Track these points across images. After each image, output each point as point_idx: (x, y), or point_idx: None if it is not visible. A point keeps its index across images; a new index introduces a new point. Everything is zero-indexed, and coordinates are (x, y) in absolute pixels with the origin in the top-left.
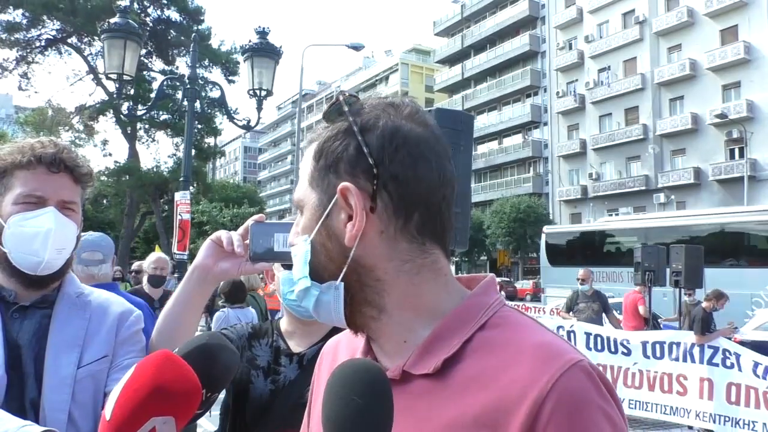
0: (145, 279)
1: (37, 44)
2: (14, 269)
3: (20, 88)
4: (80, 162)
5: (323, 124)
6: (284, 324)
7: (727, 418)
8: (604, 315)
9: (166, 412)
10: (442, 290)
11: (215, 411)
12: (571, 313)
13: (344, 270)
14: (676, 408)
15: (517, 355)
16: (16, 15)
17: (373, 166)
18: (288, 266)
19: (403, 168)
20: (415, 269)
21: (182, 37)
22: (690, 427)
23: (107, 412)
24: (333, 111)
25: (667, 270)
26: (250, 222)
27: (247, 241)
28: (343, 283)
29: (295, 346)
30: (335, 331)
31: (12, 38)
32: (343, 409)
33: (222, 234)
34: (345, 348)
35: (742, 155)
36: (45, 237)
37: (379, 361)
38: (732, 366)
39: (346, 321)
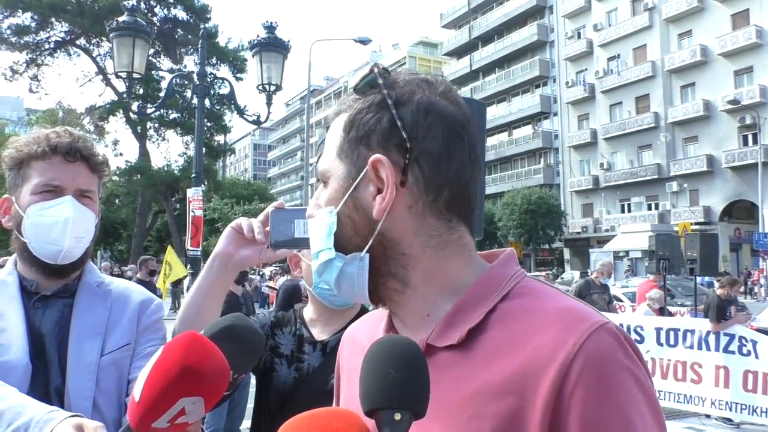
0: None
1: (47, 46)
2: (35, 259)
3: (31, 91)
4: (96, 151)
5: (352, 96)
6: (308, 312)
7: (744, 406)
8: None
9: (195, 392)
10: (466, 265)
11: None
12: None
13: (370, 242)
14: (690, 396)
15: (542, 320)
16: (25, 18)
17: (406, 140)
18: None
19: (436, 144)
20: (441, 244)
21: (189, 36)
22: (708, 416)
23: (136, 393)
24: (365, 84)
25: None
26: (270, 209)
27: (268, 228)
28: (368, 255)
29: (319, 334)
30: (358, 318)
31: (22, 41)
32: (380, 383)
33: (242, 221)
34: (364, 332)
35: (755, 141)
36: (64, 226)
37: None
38: (749, 353)
39: (368, 293)
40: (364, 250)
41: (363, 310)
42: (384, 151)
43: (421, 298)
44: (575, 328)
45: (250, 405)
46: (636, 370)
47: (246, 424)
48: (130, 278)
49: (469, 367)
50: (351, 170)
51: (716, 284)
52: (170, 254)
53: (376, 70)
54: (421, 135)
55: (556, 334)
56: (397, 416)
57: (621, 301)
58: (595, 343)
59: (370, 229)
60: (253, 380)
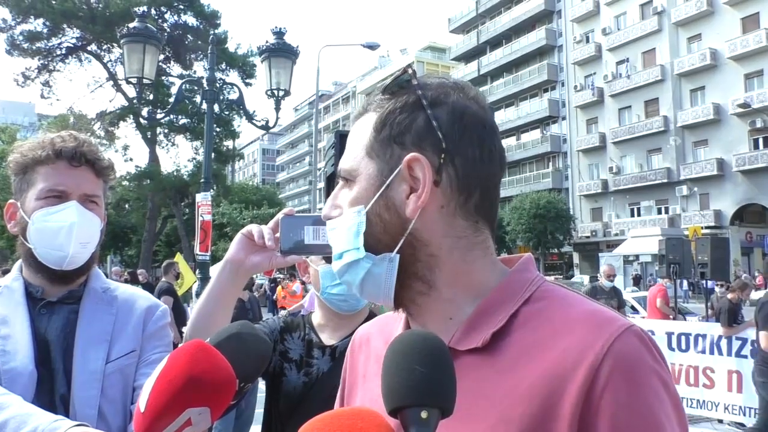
0: None
1: (58, 52)
2: (40, 265)
3: (42, 96)
4: (101, 155)
5: (380, 96)
6: (317, 318)
7: (757, 411)
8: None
9: (201, 402)
10: (489, 268)
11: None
12: None
13: (401, 242)
14: (703, 401)
15: (567, 324)
16: (37, 24)
17: (442, 140)
18: (329, 259)
19: (470, 146)
20: (469, 247)
21: (199, 42)
22: (720, 421)
23: (141, 403)
24: (396, 84)
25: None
26: (280, 215)
27: (278, 235)
28: (398, 255)
29: (328, 339)
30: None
31: (33, 47)
32: (406, 380)
33: (253, 228)
34: (378, 334)
35: (766, 145)
36: (69, 231)
37: None
38: None
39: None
40: (395, 251)
41: (371, 315)
42: (419, 150)
43: (444, 301)
44: (603, 331)
45: (258, 410)
46: (663, 372)
47: (254, 429)
48: (140, 282)
49: (493, 370)
50: (383, 169)
51: (717, 289)
52: (180, 261)
53: (409, 70)
54: (457, 136)
55: (584, 336)
56: (424, 414)
57: (635, 310)
58: (624, 345)
59: (402, 228)
60: (262, 385)
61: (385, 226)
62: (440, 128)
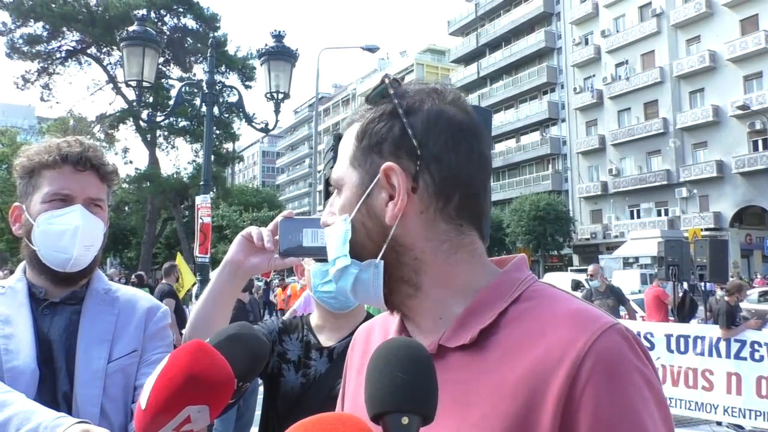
0: None
1: (58, 55)
2: (44, 266)
3: (42, 99)
4: (106, 160)
5: (364, 106)
6: (314, 319)
7: (758, 413)
8: (621, 307)
9: (201, 400)
10: (478, 270)
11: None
12: None
13: (384, 248)
14: (702, 403)
15: (553, 322)
16: (36, 27)
17: (417, 147)
18: (320, 260)
19: (446, 151)
20: (453, 249)
21: (199, 45)
22: (719, 423)
23: (142, 401)
24: (376, 94)
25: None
26: (279, 218)
27: (277, 237)
28: (382, 261)
29: (326, 340)
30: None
31: (33, 50)
32: (388, 386)
33: (252, 230)
34: (378, 331)
35: (765, 146)
36: (73, 234)
37: (414, 338)
38: (761, 359)
39: (383, 299)
40: (379, 257)
41: (368, 317)
42: (395, 158)
43: (432, 302)
44: (585, 329)
45: (258, 412)
46: (646, 370)
47: (254, 430)
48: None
49: (480, 367)
50: (364, 178)
51: (718, 291)
52: (180, 262)
53: (387, 80)
54: (432, 142)
55: (567, 334)
56: (405, 420)
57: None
58: (606, 343)
59: (383, 235)
60: (261, 386)
61: (368, 232)
62: (415, 136)
